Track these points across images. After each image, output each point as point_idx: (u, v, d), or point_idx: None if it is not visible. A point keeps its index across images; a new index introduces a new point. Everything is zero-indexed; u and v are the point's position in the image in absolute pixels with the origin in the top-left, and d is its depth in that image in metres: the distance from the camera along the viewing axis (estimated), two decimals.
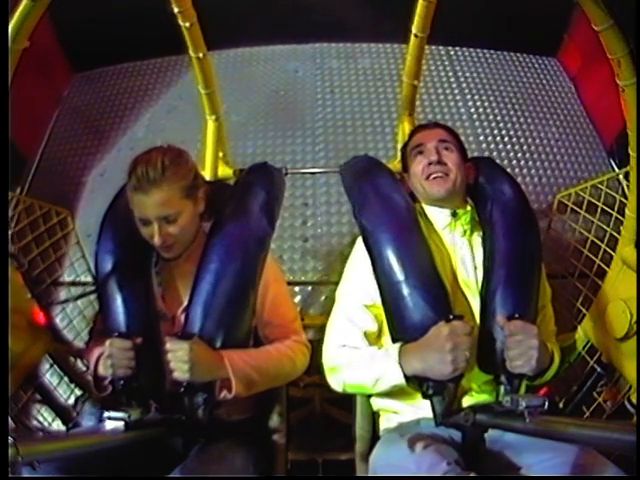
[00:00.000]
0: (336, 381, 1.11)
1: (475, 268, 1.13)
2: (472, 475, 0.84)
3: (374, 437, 1.18)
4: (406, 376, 0.97)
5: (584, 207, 1.71)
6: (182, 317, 1.09)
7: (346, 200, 1.27)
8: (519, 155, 2.47)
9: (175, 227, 1.06)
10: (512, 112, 2.66)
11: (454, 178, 1.17)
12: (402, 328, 1.04)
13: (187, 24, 1.59)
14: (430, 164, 1.17)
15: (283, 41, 3.00)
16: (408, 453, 0.93)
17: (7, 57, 0.96)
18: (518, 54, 2.97)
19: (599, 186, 1.65)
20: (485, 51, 2.98)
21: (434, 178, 1.17)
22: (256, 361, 1.06)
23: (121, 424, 0.90)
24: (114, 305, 1.09)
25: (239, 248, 1.11)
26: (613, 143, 2.40)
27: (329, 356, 1.12)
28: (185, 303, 1.10)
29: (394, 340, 1.05)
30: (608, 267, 1.37)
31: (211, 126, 1.99)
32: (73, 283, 1.96)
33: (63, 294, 1.91)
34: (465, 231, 1.16)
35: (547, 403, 0.85)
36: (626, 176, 1.42)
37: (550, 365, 1.07)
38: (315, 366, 1.17)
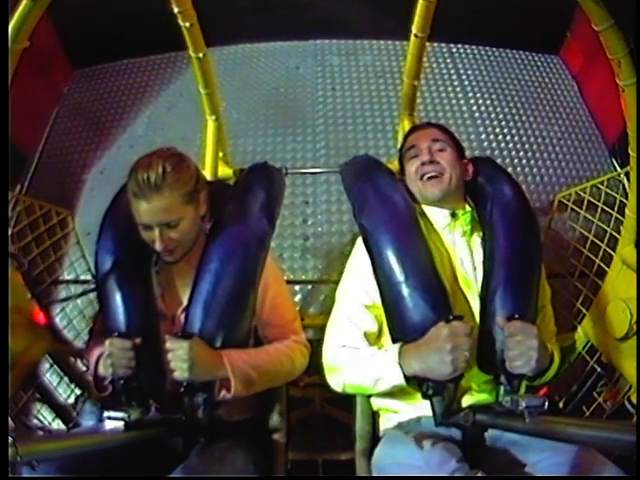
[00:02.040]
0: (336, 381, 1.11)
1: (475, 268, 1.13)
2: (479, 475, 0.84)
3: (374, 437, 1.18)
4: (406, 376, 0.97)
5: (584, 207, 1.70)
6: (182, 317, 1.09)
7: (346, 199, 1.27)
8: (520, 153, 2.46)
9: (176, 232, 1.05)
10: (514, 110, 2.65)
11: (448, 177, 1.16)
12: (402, 328, 1.04)
13: (187, 24, 1.59)
14: (423, 164, 1.17)
15: (284, 38, 2.99)
16: (416, 450, 0.93)
17: (7, 57, 0.96)
18: (520, 51, 2.96)
19: (599, 186, 1.64)
20: (487, 48, 2.97)
21: (428, 178, 1.17)
22: (255, 361, 1.06)
23: (121, 424, 0.90)
24: (114, 305, 1.09)
25: (239, 248, 1.10)
26: (615, 142, 2.37)
27: (329, 356, 1.12)
28: (185, 303, 1.10)
29: (394, 340, 1.05)
30: (608, 267, 1.37)
31: (211, 126, 1.99)
32: (73, 282, 1.96)
33: (63, 294, 1.91)
34: (465, 232, 1.16)
35: (547, 403, 0.85)
36: (627, 176, 1.42)
37: (550, 365, 1.07)
38: (315, 366, 1.16)
